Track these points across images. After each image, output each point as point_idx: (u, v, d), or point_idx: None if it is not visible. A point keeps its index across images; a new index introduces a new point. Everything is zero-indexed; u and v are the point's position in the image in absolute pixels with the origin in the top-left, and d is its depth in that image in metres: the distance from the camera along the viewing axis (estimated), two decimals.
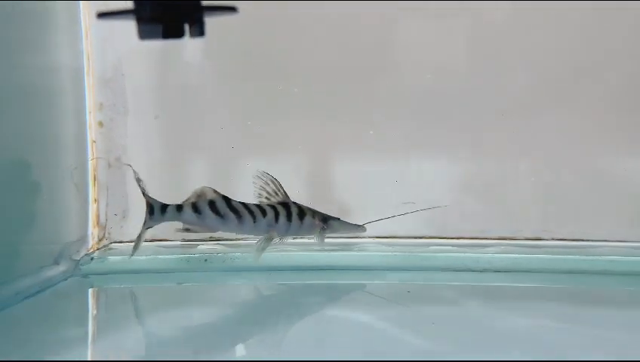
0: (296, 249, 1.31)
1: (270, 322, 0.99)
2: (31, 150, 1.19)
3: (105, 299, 1.16)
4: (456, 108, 1.39)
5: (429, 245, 1.34)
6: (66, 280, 1.19)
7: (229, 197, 1.23)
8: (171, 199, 1.45)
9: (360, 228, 1.27)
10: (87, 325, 0.97)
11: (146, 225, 1.18)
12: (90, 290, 1.19)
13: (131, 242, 1.43)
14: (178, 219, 1.19)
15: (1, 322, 0.93)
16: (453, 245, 1.34)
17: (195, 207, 1.18)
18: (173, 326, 0.97)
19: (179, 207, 1.18)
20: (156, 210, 1.17)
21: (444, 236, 1.37)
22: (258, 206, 1.21)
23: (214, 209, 1.19)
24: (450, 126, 1.39)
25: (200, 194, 1.19)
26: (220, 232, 1.27)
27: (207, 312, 1.04)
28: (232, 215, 1.19)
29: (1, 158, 1.09)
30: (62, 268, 1.23)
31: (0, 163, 1.08)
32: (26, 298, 1.04)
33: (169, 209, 1.18)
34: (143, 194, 1.18)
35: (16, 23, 1.17)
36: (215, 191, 1.21)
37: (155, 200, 1.19)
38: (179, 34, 0.97)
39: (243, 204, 1.21)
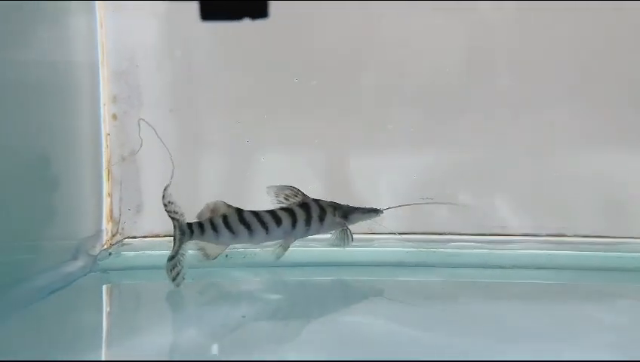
0: (319, 245, 1.30)
1: (295, 320, 0.99)
2: (47, 144, 1.19)
3: (129, 295, 1.15)
4: (476, 103, 1.40)
5: (449, 241, 1.34)
6: (85, 275, 1.19)
7: (241, 208, 1.19)
8: (186, 195, 1.46)
9: (379, 212, 1.26)
10: (116, 322, 0.96)
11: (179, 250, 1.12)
12: (112, 286, 1.19)
13: (146, 237, 1.46)
14: (202, 239, 1.14)
15: (29, 318, 0.92)
16: (474, 241, 1.34)
17: (213, 224, 1.14)
18: (201, 323, 0.96)
19: (201, 226, 1.14)
20: (191, 232, 1.12)
21: (465, 232, 1.37)
22: (273, 214, 1.17)
23: (227, 224, 1.14)
24: (468, 121, 1.39)
25: (214, 209, 1.15)
26: None
27: (233, 309, 1.03)
28: (243, 228, 1.15)
29: (20, 152, 1.08)
30: (80, 263, 1.23)
31: (19, 157, 1.07)
32: (50, 293, 1.03)
33: (195, 228, 1.13)
34: (174, 219, 1.12)
35: (31, 15, 1.16)
36: (228, 206, 1.17)
37: (185, 222, 1.13)
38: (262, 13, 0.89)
39: (256, 213, 1.17)
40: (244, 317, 0.97)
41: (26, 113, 1.12)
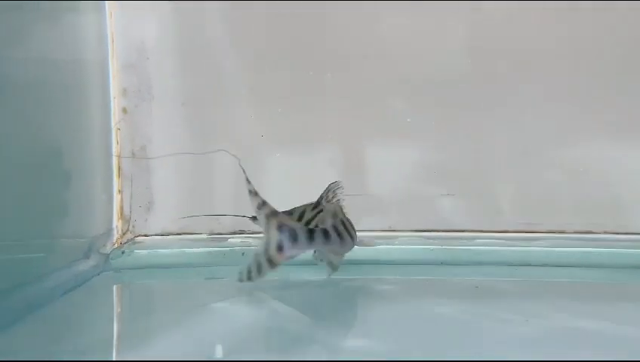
0: None
1: (321, 319, 0.96)
2: (59, 140, 1.16)
3: (144, 295, 1.12)
4: (497, 96, 1.37)
5: (473, 238, 1.31)
6: (98, 274, 1.16)
7: None
8: (199, 191, 1.44)
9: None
10: (133, 324, 0.93)
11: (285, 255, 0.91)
12: (126, 286, 1.16)
13: (157, 236, 1.43)
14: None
15: (45, 319, 0.89)
16: (499, 238, 1.31)
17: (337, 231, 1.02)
18: (223, 323, 0.93)
19: (325, 232, 0.99)
20: (303, 236, 0.93)
21: (489, 229, 1.35)
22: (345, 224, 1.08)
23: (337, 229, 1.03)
24: (489, 114, 1.37)
25: (335, 214, 1.04)
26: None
27: (256, 308, 1.00)
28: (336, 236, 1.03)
29: (32, 149, 1.05)
30: (92, 262, 1.20)
31: (31, 154, 1.04)
32: (64, 293, 1.00)
33: (317, 234, 0.97)
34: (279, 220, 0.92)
35: (41, 9, 1.12)
36: (342, 210, 1.08)
37: (300, 225, 0.95)
38: None
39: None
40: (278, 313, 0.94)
41: (38, 110, 1.09)
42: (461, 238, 1.32)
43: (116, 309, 1.03)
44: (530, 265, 1.22)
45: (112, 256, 1.24)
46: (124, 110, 1.41)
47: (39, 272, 1.01)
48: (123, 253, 1.26)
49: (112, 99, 1.38)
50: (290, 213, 1.14)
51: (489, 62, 1.37)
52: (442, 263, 1.23)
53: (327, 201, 1.12)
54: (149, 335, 0.86)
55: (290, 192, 1.40)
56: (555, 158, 1.37)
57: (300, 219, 1.11)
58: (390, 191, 1.41)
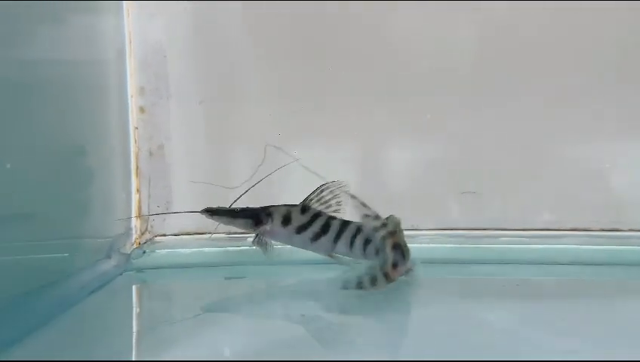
0: None
1: (354, 318, 0.95)
2: (81, 139, 1.16)
3: (170, 295, 1.12)
4: (522, 92, 1.36)
5: (497, 236, 1.31)
6: (121, 274, 1.16)
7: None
8: (217, 190, 1.43)
9: None
10: (164, 323, 0.93)
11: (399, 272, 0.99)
12: (149, 286, 1.15)
13: (176, 235, 1.42)
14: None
15: (79, 318, 0.89)
16: (522, 236, 1.31)
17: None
18: (254, 322, 0.92)
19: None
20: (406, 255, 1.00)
21: (512, 228, 1.34)
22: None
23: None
24: (512, 111, 1.36)
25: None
26: None
27: (288, 306, 0.99)
28: None
29: (55, 150, 1.05)
30: (113, 262, 1.20)
31: (56, 154, 1.04)
32: (91, 293, 0.99)
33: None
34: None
35: (59, 8, 1.11)
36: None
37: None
38: None
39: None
40: (303, 316, 0.93)
41: (60, 110, 1.08)
42: (486, 236, 1.30)
43: (144, 309, 1.02)
44: (558, 263, 1.21)
45: (134, 255, 1.24)
46: (142, 109, 1.40)
47: (65, 272, 1.01)
48: (144, 252, 1.25)
49: (129, 97, 1.38)
50: (268, 212, 1.15)
51: (513, 58, 1.36)
52: (471, 262, 1.21)
53: (322, 204, 1.12)
54: (179, 336, 0.85)
55: (308, 190, 1.41)
56: (580, 155, 1.36)
57: (286, 222, 1.12)
58: (411, 189, 1.40)
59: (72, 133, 1.11)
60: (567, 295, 1.05)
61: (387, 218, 1.04)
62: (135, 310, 1.01)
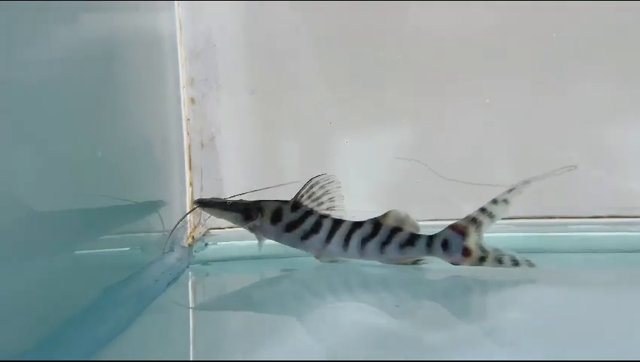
0: None
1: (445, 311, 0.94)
2: (145, 133, 1.16)
3: (242, 288, 1.11)
4: (575, 78, 1.34)
5: (566, 225, 1.29)
6: (187, 267, 1.15)
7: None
8: (267, 181, 1.42)
9: None
10: (250, 316, 0.92)
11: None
12: (219, 278, 1.16)
13: (229, 228, 1.41)
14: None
15: (166, 311, 0.89)
16: (589, 224, 1.29)
17: None
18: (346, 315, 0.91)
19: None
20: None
21: (579, 216, 1.32)
22: None
23: None
24: (578, 93, 1.34)
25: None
26: None
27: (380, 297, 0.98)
28: None
29: (125, 145, 1.05)
30: (176, 255, 1.19)
31: (125, 148, 1.04)
32: (168, 285, 0.99)
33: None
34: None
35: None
36: None
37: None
38: None
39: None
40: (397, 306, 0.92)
41: (124, 104, 1.08)
42: (553, 225, 1.29)
43: (223, 303, 1.01)
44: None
45: (197, 248, 1.23)
46: (192, 100, 1.40)
47: (138, 266, 1.00)
48: (206, 245, 1.25)
49: (181, 88, 1.37)
50: (259, 207, 1.15)
51: (564, 45, 1.33)
52: (544, 251, 1.20)
53: (314, 200, 1.12)
54: (274, 329, 0.85)
55: (360, 178, 1.41)
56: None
57: (275, 219, 1.13)
58: (470, 177, 1.39)
59: (137, 127, 1.11)
60: None
61: (386, 213, 1.08)
62: (216, 303, 1.00)
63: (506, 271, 1.04)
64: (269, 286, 1.13)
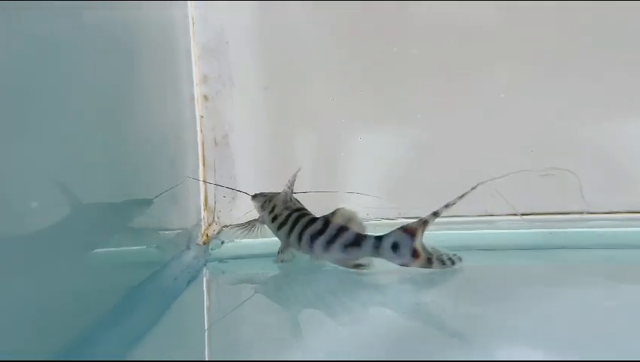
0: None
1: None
2: (160, 131, 1.16)
3: (262, 286, 1.11)
4: (592, 72, 1.34)
5: (582, 220, 1.29)
6: (205, 265, 1.16)
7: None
8: (279, 177, 1.42)
9: None
10: (274, 313, 0.92)
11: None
12: (238, 276, 1.15)
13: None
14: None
15: (190, 309, 0.89)
16: (605, 220, 1.29)
17: None
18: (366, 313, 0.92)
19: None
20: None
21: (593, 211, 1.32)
22: None
23: None
24: (598, 88, 1.33)
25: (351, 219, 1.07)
26: None
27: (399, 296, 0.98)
28: None
29: (142, 143, 1.05)
30: (192, 253, 1.19)
31: (142, 146, 1.04)
32: (188, 283, 0.99)
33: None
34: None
35: None
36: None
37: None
38: None
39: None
40: (418, 304, 0.92)
41: (142, 103, 1.08)
42: (569, 221, 1.29)
43: (246, 300, 1.00)
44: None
45: (213, 246, 1.23)
46: (206, 97, 1.40)
47: (159, 264, 1.00)
48: (222, 243, 1.25)
49: (195, 86, 1.37)
50: (269, 198, 1.18)
51: (586, 38, 1.33)
52: (562, 247, 1.20)
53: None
54: (299, 327, 0.85)
55: (375, 174, 1.41)
56: None
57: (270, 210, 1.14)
58: (486, 172, 1.38)
59: (151, 125, 1.11)
60: None
61: (335, 210, 1.05)
62: (238, 301, 0.99)
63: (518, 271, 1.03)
64: (289, 283, 1.12)
